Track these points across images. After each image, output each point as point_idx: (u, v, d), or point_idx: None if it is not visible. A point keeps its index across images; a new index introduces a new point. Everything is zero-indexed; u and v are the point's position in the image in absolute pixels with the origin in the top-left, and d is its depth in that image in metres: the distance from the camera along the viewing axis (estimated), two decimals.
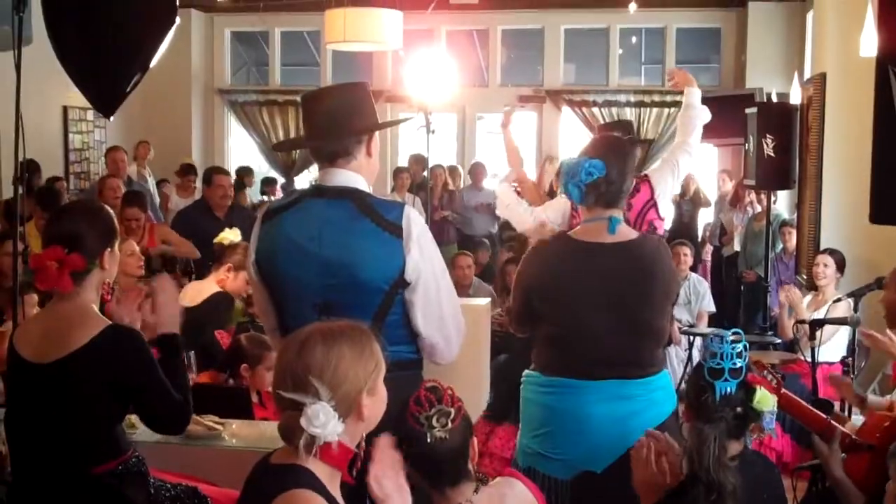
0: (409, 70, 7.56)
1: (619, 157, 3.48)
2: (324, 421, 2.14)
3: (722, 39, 12.59)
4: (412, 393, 2.64)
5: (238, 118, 13.41)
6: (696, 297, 8.65)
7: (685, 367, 7.90)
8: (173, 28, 4.31)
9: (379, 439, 2.41)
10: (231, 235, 5.85)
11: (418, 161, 11.41)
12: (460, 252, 9.04)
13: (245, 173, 12.26)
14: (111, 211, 3.17)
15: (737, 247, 10.15)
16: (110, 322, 2.97)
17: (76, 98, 7.60)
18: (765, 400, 2.87)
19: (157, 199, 10.46)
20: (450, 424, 2.59)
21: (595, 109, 12.52)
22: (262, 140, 13.28)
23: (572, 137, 12.40)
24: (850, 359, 5.53)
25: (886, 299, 4.30)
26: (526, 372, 3.60)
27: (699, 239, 11.22)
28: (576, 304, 3.41)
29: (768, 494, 2.98)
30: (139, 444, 3.26)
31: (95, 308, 3.02)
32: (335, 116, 3.13)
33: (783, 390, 3.56)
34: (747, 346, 2.91)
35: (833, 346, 6.13)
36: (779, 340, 7.28)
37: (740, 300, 9.62)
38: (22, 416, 2.97)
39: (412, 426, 2.59)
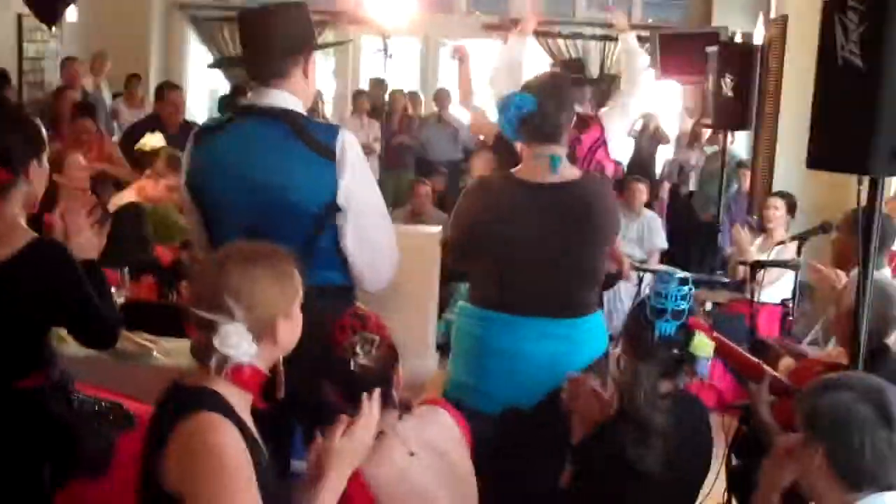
0: None
1: (554, 92, 3.45)
2: (236, 341, 2.12)
3: None
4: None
5: (198, 34, 13.13)
6: (648, 233, 8.65)
7: (633, 303, 7.94)
8: None
9: None
10: (153, 141, 5.73)
11: (377, 85, 11.29)
12: (417, 179, 8.99)
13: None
14: (38, 121, 3.08)
15: (693, 186, 10.17)
16: (36, 235, 2.91)
17: None
18: (702, 346, 2.87)
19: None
20: (373, 352, 2.58)
21: (560, 41, 12.39)
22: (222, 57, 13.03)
23: (537, 70, 12.29)
24: (792, 302, 5.58)
25: (837, 241, 4.32)
26: (460, 303, 3.60)
27: (657, 177, 11.21)
28: (513, 241, 3.40)
29: (696, 435, 3.00)
30: (69, 360, 3.22)
31: (21, 222, 2.95)
32: (271, 36, 3.06)
33: (715, 333, 3.62)
34: (693, 289, 2.90)
35: (777, 288, 6.18)
36: (728, 280, 7.33)
37: (695, 239, 9.66)
38: None
39: (335, 352, 2.58)
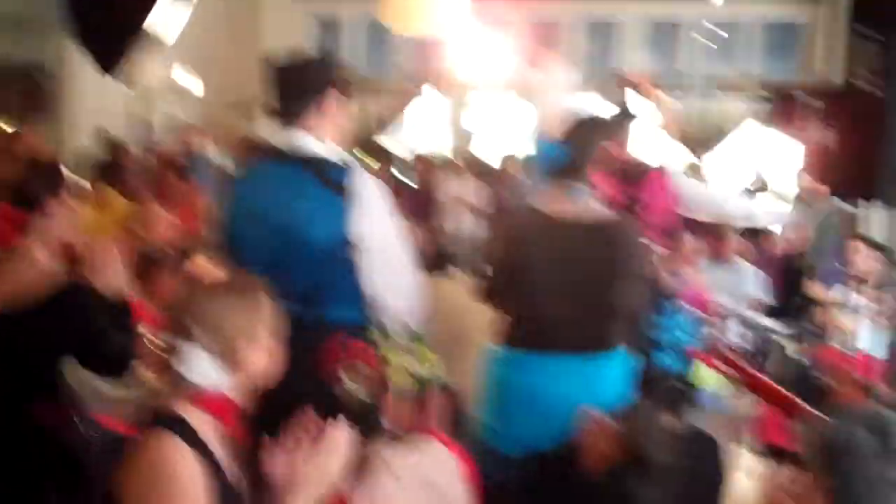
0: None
1: (585, 134, 3.49)
2: (195, 363, 2.17)
3: None
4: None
5: None
6: (740, 282, 8.42)
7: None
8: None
9: None
10: None
11: None
12: None
13: None
14: (60, 164, 3.25)
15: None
16: (60, 280, 3.02)
17: None
18: (704, 377, 2.81)
19: None
20: (360, 380, 2.60)
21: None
22: None
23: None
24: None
25: None
26: (489, 346, 3.59)
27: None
28: (540, 280, 3.40)
29: (704, 472, 2.92)
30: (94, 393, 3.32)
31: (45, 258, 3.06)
32: (291, 80, 3.18)
33: (748, 369, 3.53)
34: (696, 321, 2.84)
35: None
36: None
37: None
38: None
39: (325, 378, 2.61)
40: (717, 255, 8.27)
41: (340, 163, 3.20)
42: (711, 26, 12.75)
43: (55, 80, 10.14)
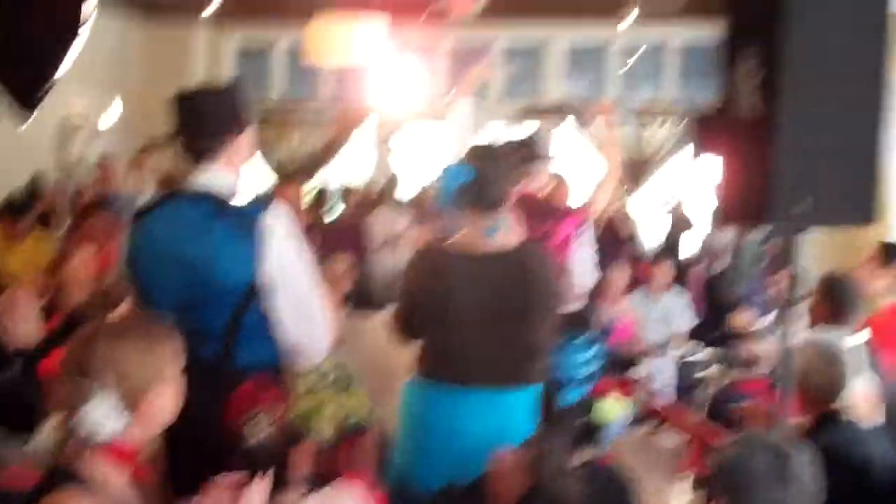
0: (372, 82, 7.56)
1: (492, 161, 3.47)
2: (101, 416, 2.13)
3: None
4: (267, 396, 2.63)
5: None
6: (670, 315, 8.59)
7: None
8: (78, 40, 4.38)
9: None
10: None
11: None
12: None
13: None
14: None
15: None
16: None
17: None
18: (609, 411, 2.82)
19: None
20: (270, 428, 2.57)
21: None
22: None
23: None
24: None
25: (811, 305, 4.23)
26: (404, 382, 3.57)
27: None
28: (449, 312, 3.39)
29: None
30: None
31: None
32: (201, 115, 3.14)
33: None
34: (601, 350, 2.85)
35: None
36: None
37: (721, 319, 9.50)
38: None
39: (234, 427, 2.57)
40: (650, 287, 8.52)
41: (249, 199, 3.16)
42: (634, 51, 12.95)
43: None
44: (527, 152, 4.49)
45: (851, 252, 6.35)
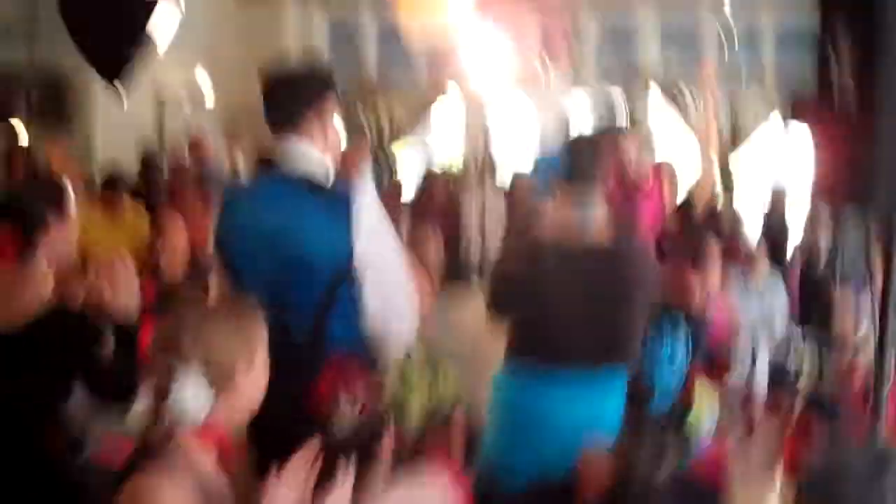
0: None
1: (589, 149, 3.41)
2: (192, 394, 2.12)
3: None
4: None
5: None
6: (770, 296, 8.40)
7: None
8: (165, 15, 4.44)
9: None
10: None
11: None
12: None
13: None
14: (63, 184, 3.22)
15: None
16: (55, 302, 2.98)
17: None
18: (700, 413, 2.73)
19: None
20: (356, 413, 2.55)
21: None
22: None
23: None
24: None
25: None
26: (494, 375, 3.54)
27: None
28: (547, 298, 3.35)
29: None
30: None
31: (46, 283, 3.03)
32: (285, 91, 3.14)
33: None
34: (690, 357, 2.76)
35: None
36: None
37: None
38: None
39: (318, 411, 2.56)
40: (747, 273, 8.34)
41: (337, 179, 3.14)
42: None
43: (76, 90, 10.12)
44: (618, 135, 4.45)
45: None
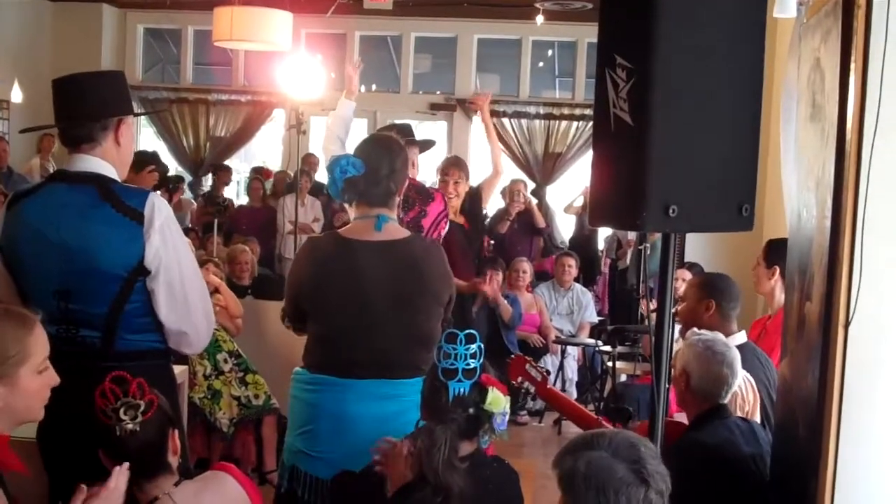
0: (282, 70, 7.54)
1: (385, 157, 3.45)
2: None
3: None
4: (159, 383, 2.64)
5: (148, 116, 13.27)
6: (578, 307, 8.78)
7: (556, 375, 7.98)
8: None
9: None
10: None
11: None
12: None
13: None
14: None
15: (629, 261, 10.17)
16: None
17: None
18: (496, 402, 2.82)
19: None
20: (140, 417, 2.54)
21: (505, 120, 12.53)
22: (171, 139, 13.27)
23: (482, 147, 12.39)
24: None
25: (681, 312, 4.30)
26: (295, 369, 3.55)
27: (600, 251, 11.25)
28: (339, 303, 3.37)
29: (501, 497, 2.93)
30: None
31: None
32: (82, 101, 3.08)
33: (548, 386, 3.63)
34: (482, 347, 2.86)
35: None
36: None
37: (626, 313, 9.66)
38: None
39: (100, 418, 2.54)
40: (559, 281, 8.73)
41: (134, 188, 3.12)
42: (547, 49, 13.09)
43: None
44: (408, 141, 4.57)
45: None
